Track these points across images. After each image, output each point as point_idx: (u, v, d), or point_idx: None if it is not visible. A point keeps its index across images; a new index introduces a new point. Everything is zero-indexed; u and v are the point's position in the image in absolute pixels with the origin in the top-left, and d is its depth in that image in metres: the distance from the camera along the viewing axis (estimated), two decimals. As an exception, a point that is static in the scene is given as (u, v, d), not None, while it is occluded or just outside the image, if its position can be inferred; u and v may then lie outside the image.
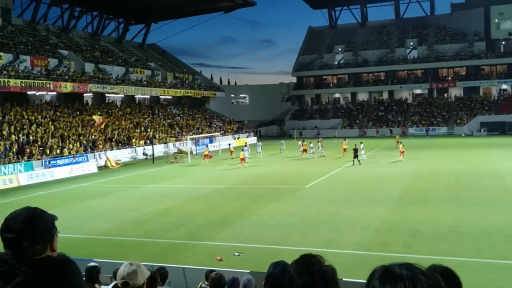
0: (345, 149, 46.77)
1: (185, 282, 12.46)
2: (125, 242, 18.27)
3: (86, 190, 33.40)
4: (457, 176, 32.49)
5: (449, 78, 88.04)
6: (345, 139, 50.26)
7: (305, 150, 48.05)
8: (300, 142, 50.31)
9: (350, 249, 16.59)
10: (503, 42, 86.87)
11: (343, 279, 9.75)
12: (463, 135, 72.19)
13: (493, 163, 38.07)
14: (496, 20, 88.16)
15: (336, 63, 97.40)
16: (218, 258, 15.68)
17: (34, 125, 48.55)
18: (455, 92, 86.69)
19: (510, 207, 22.33)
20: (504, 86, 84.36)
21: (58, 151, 45.27)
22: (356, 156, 40.74)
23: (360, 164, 40.31)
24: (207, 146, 55.49)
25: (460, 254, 15.59)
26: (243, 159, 42.64)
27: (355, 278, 10.76)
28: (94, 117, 51.04)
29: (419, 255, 15.49)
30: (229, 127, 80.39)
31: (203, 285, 8.91)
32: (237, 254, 16.33)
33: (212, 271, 8.75)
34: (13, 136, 44.39)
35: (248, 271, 10.33)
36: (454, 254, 15.56)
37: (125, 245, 17.70)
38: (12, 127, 46.04)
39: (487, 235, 17.84)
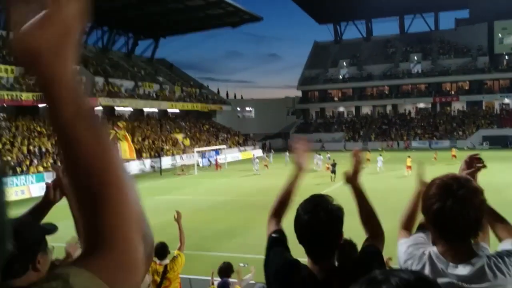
0: (409, 167, 41.74)
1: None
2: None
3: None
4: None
5: (452, 92, 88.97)
6: (409, 156, 44.24)
7: (328, 168, 41.81)
8: (318, 157, 48.36)
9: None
10: (506, 57, 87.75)
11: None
12: (465, 148, 72.79)
13: (495, 177, 38.76)
14: (500, 35, 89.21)
15: (340, 77, 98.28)
16: (224, 267, 16.54)
17: (46, 138, 49.69)
18: (458, 106, 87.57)
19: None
20: (506, 100, 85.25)
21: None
22: (333, 171, 39.31)
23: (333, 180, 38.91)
24: (218, 155, 57.99)
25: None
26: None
27: None
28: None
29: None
30: (234, 140, 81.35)
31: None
32: (242, 265, 17.17)
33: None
34: (24, 148, 45.49)
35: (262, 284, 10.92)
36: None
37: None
38: (25, 140, 47.17)
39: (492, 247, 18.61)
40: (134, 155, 45.90)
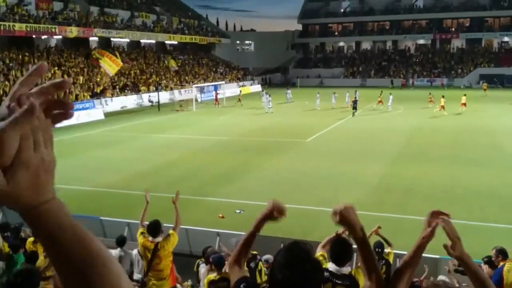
0: (463, 103, 42.88)
1: (188, 244, 13.36)
2: (131, 196, 19.06)
3: (93, 138, 34.09)
4: (454, 132, 33.32)
5: (453, 29, 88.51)
6: (465, 94, 44.88)
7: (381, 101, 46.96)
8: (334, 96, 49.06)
9: (346, 208, 17.37)
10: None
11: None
12: (462, 86, 72.43)
13: (490, 120, 38.82)
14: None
15: (342, 10, 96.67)
16: (220, 215, 16.61)
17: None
18: (458, 43, 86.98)
19: (501, 166, 23.25)
20: (506, 39, 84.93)
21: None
22: (355, 108, 42.61)
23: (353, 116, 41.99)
24: (216, 91, 57.08)
25: (452, 216, 16.36)
26: None
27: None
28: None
29: (411, 216, 16.40)
30: (234, 74, 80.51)
31: (200, 262, 9.65)
32: (238, 211, 17.24)
33: (209, 247, 9.60)
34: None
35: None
36: (444, 215, 16.40)
37: (132, 199, 18.50)
38: (19, 72, 46.47)
39: (478, 196, 18.72)
40: (119, 63, 44.63)
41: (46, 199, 1.04)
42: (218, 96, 54.91)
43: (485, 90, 59.48)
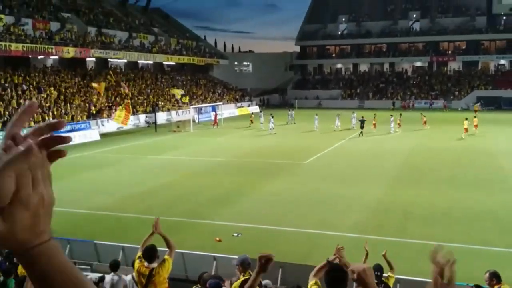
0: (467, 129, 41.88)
1: (184, 268, 13.06)
2: (126, 219, 18.81)
3: (88, 159, 33.65)
4: (453, 154, 33.26)
5: (449, 52, 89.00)
6: (475, 116, 45.06)
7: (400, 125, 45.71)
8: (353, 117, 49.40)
9: (345, 231, 17.15)
10: (504, 18, 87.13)
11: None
12: (459, 109, 72.68)
13: (488, 142, 38.75)
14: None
15: (339, 33, 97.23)
16: (217, 239, 16.29)
17: (36, 91, 48.75)
18: (454, 66, 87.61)
19: (501, 189, 23.04)
20: (502, 62, 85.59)
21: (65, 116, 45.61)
22: (362, 127, 43.62)
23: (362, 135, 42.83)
24: (216, 112, 57.06)
25: (451, 239, 16.18)
26: None
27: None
28: (94, 85, 51.60)
29: (411, 240, 16.16)
30: (231, 95, 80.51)
31: None
32: (235, 234, 16.95)
33: (205, 272, 9.30)
34: (14, 101, 44.63)
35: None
36: (444, 239, 16.13)
37: (127, 222, 18.25)
38: (14, 93, 46.27)
39: (477, 219, 18.48)
40: (127, 123, 47.16)
41: (42, 240, 1.03)
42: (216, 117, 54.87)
43: (476, 111, 59.65)
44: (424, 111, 58.76)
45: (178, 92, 62.18)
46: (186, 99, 62.64)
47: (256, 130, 49.23)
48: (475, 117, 44.36)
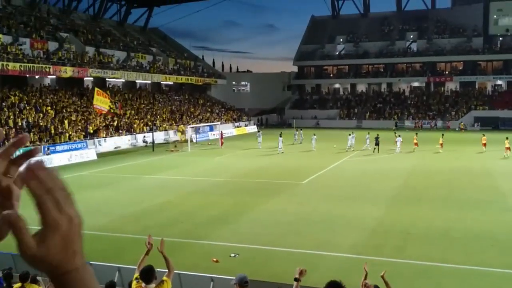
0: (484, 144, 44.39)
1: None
2: (122, 239, 18.61)
3: (85, 179, 33.49)
4: (451, 174, 33.11)
5: (446, 72, 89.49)
6: (483, 134, 46.86)
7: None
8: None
9: (344, 252, 16.98)
10: (500, 38, 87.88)
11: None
12: (457, 129, 72.83)
13: (486, 162, 38.66)
14: (495, 16, 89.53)
15: (337, 53, 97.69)
16: (215, 259, 16.08)
17: (33, 110, 48.69)
18: (452, 86, 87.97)
19: (499, 209, 22.89)
20: (499, 82, 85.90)
21: (60, 137, 45.47)
22: (377, 144, 45.09)
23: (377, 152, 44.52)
24: (221, 132, 56.60)
25: (450, 260, 16.03)
26: None
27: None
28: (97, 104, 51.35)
29: (410, 260, 15.98)
30: (229, 114, 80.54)
31: None
32: (233, 255, 16.74)
33: None
34: (11, 121, 44.51)
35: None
36: (443, 259, 16.02)
37: (123, 243, 18.04)
38: (11, 112, 46.16)
39: (476, 239, 18.31)
40: (103, 112, 47.38)
41: (77, 265, 1.05)
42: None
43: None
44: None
45: (183, 129, 60.76)
46: (182, 128, 61.24)
47: (253, 149, 49.06)
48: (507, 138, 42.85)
